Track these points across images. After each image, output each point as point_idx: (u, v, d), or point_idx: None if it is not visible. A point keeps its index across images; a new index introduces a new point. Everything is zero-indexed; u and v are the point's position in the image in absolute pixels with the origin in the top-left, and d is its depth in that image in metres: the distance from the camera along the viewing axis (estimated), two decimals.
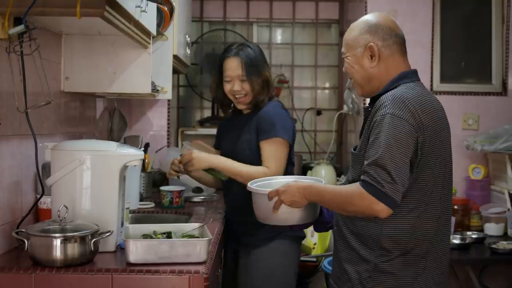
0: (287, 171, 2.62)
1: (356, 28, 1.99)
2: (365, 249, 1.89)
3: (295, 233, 2.58)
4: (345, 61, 2.02)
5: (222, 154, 2.69)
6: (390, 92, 1.89)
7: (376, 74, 1.97)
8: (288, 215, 2.08)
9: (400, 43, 1.99)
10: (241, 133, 2.65)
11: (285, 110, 2.68)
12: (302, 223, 2.15)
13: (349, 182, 1.96)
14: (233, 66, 2.61)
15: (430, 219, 1.87)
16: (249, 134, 2.62)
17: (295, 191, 2.01)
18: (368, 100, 2.06)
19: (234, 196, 2.67)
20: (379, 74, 1.96)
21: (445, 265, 1.95)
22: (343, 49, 2.04)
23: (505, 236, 3.46)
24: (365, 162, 1.82)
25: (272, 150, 2.55)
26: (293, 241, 2.63)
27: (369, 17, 2.01)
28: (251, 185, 2.20)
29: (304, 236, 2.74)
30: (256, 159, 2.58)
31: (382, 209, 1.78)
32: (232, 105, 2.75)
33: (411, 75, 1.97)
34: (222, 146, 2.78)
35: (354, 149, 1.99)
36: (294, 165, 2.71)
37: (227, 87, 2.64)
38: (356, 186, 1.83)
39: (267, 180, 2.30)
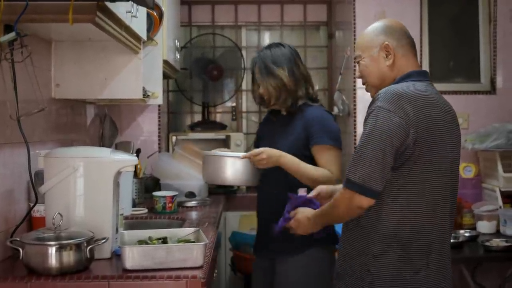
0: None
1: (370, 31, 2.06)
2: (366, 241, 1.89)
3: (328, 241, 2.52)
4: (360, 63, 2.06)
5: None
6: (387, 87, 1.92)
7: (389, 74, 2.00)
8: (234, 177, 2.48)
9: (412, 44, 2.04)
10: (285, 134, 2.59)
11: (330, 113, 2.67)
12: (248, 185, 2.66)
13: None
14: (254, 71, 2.67)
15: (429, 215, 1.87)
16: (295, 136, 2.55)
17: (306, 221, 2.12)
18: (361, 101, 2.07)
19: (272, 203, 2.53)
20: (392, 73, 2.00)
21: (449, 265, 1.95)
22: (357, 53, 2.07)
23: (497, 234, 3.47)
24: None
25: (331, 156, 2.51)
26: (326, 249, 2.58)
27: (382, 21, 2.08)
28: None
29: (336, 244, 2.63)
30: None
31: (362, 201, 1.84)
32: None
33: (417, 75, 1.99)
34: (262, 146, 2.62)
35: None
36: None
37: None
38: (339, 191, 1.92)
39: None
